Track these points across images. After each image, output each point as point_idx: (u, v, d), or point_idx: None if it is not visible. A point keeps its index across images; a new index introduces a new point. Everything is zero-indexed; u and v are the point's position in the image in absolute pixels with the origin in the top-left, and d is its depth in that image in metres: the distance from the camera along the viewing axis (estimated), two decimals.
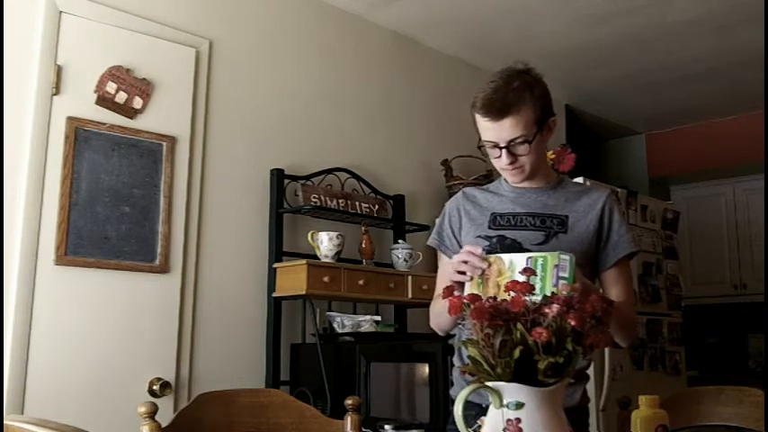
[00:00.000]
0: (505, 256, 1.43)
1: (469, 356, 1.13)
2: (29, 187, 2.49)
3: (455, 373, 1.82)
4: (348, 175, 3.44)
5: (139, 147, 2.77)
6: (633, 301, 1.87)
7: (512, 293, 1.13)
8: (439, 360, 2.55)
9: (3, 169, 2.41)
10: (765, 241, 4.99)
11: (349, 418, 1.65)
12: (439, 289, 1.79)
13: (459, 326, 1.73)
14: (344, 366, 2.87)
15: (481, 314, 1.08)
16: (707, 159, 5.43)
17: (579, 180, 3.20)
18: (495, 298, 1.18)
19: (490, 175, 3.54)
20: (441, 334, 1.85)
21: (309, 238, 3.09)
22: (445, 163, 3.84)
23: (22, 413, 2.35)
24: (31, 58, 2.55)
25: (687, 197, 5.73)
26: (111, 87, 2.71)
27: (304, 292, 2.90)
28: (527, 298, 1.12)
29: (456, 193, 1.92)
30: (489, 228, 1.73)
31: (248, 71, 3.23)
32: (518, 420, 1.06)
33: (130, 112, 2.76)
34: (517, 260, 1.39)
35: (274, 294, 3.05)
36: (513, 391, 1.07)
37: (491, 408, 1.10)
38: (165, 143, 2.83)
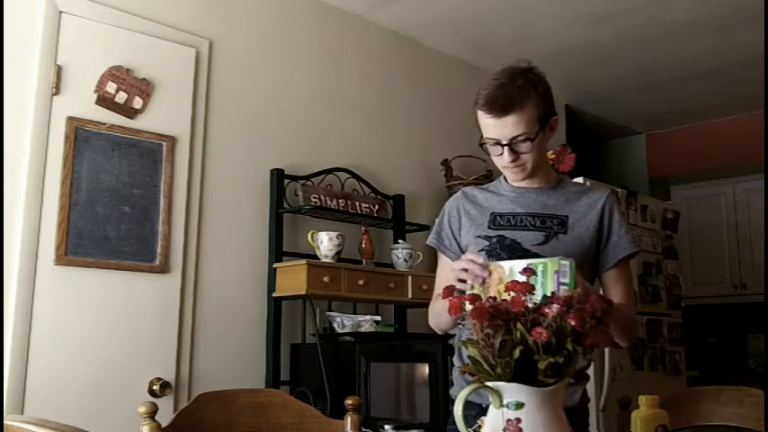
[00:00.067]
0: (506, 264, 1.42)
1: (469, 356, 1.13)
2: (29, 187, 2.49)
3: (455, 373, 1.81)
4: (348, 175, 3.44)
5: (139, 147, 2.77)
6: (633, 301, 1.86)
7: (512, 293, 1.13)
8: (439, 360, 2.55)
9: (3, 169, 2.41)
10: (765, 241, 4.99)
11: (349, 418, 1.65)
12: (438, 289, 1.79)
13: (459, 326, 1.72)
14: (344, 366, 2.87)
15: (481, 314, 1.09)
16: (707, 159, 5.43)
17: (579, 180, 3.20)
18: (495, 299, 1.18)
19: (490, 175, 3.54)
20: (440, 333, 1.84)
21: (309, 238, 3.09)
22: (445, 163, 3.84)
23: (22, 413, 2.35)
24: (31, 58, 2.55)
25: (687, 197, 5.72)
26: (111, 87, 2.71)
27: (304, 292, 2.90)
28: (527, 298, 1.12)
29: (456, 192, 1.92)
30: (489, 228, 1.73)
31: (248, 71, 3.23)
32: (518, 420, 1.06)
33: (130, 112, 2.76)
34: (517, 268, 1.38)
35: (274, 294, 3.05)
36: (513, 391, 1.07)
37: (491, 408, 1.10)
38: (165, 143, 2.83)
